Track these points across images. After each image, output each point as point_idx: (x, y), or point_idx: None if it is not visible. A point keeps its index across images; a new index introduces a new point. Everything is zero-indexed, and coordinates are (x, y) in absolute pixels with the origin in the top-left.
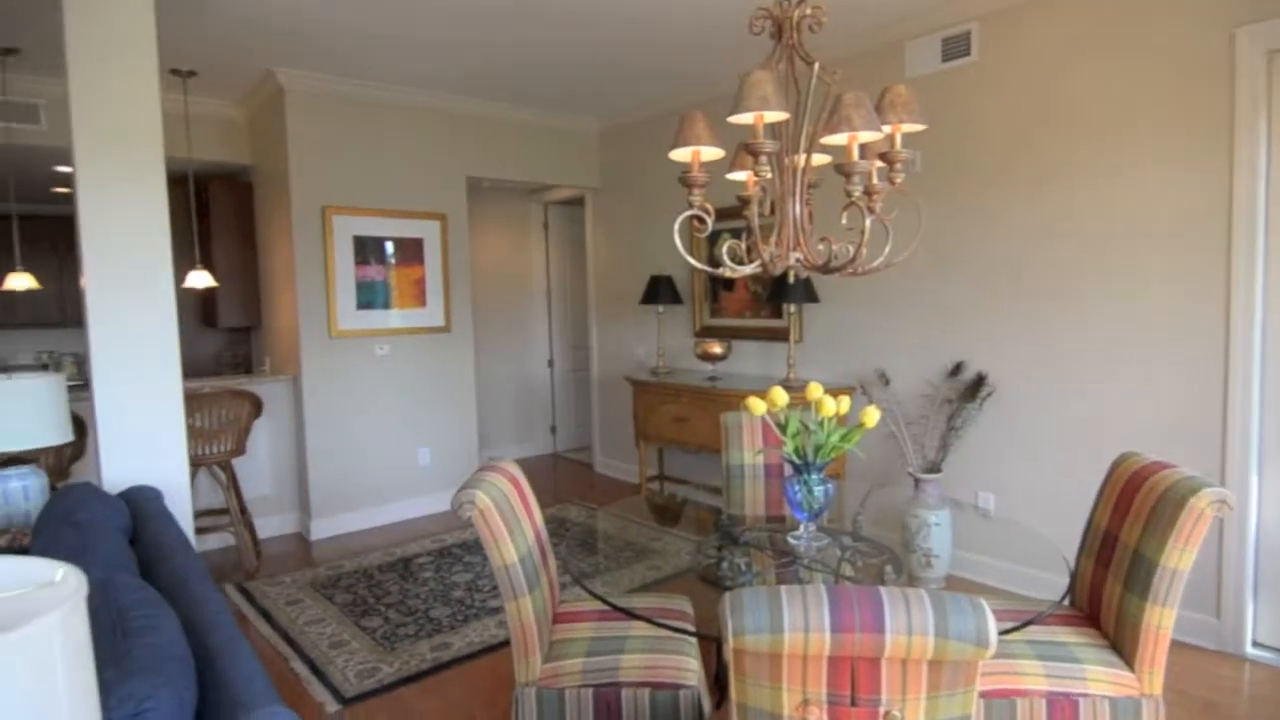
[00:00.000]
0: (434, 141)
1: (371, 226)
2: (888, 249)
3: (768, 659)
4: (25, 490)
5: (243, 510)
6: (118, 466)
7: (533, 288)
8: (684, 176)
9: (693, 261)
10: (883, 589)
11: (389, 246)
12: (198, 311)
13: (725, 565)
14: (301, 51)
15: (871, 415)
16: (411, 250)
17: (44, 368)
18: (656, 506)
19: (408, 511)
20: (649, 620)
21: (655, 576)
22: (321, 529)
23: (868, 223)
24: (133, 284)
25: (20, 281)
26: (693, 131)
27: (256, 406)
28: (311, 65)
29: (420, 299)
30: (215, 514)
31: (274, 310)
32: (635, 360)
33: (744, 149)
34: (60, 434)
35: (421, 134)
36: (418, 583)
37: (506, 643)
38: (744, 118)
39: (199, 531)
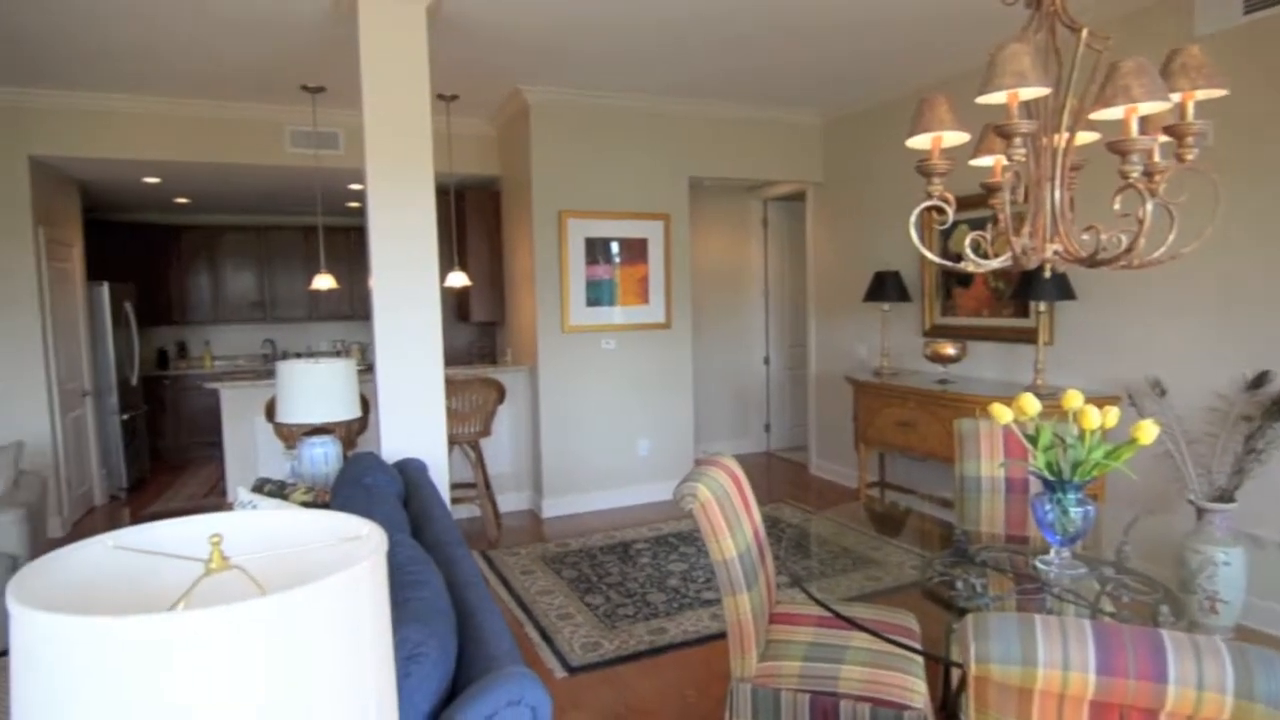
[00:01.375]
0: (658, 144)
1: (601, 228)
2: (1171, 238)
3: (1016, 693)
4: (326, 456)
5: (487, 486)
6: (393, 440)
7: (750, 284)
8: (922, 165)
9: (930, 256)
10: (1164, 632)
11: (614, 247)
12: (454, 308)
13: (960, 585)
14: (544, 69)
15: (1147, 431)
16: (636, 250)
17: (338, 354)
18: (877, 514)
19: (627, 498)
20: (874, 633)
21: (874, 588)
22: (552, 508)
23: (1149, 207)
24: (407, 284)
25: (323, 282)
26: (934, 115)
27: (501, 393)
28: (552, 80)
29: (643, 296)
30: (464, 487)
31: (515, 307)
32: (856, 360)
33: (993, 131)
34: (353, 410)
35: (647, 137)
36: (636, 567)
37: (721, 635)
38: (995, 97)
39: (452, 502)
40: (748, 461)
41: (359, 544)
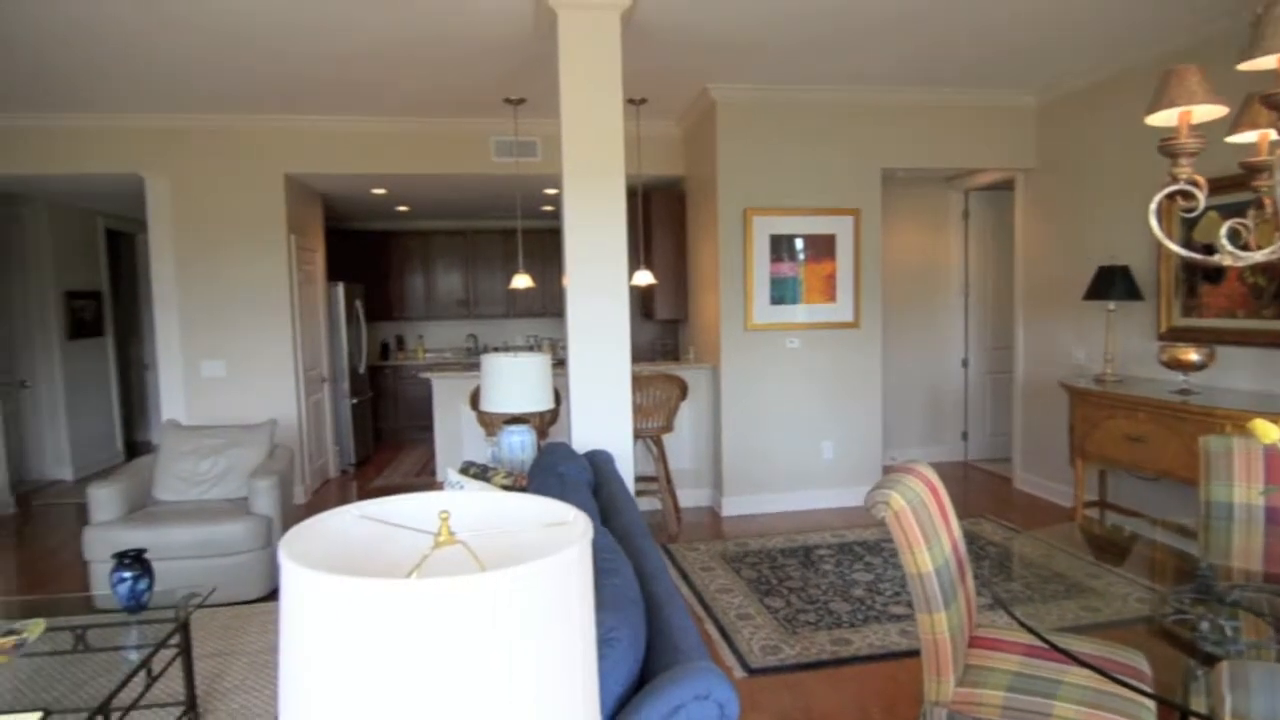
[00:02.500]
0: (848, 136)
1: (786, 225)
2: None
3: None
4: (522, 444)
5: (668, 480)
6: (583, 431)
7: (947, 281)
8: (1167, 144)
9: (1174, 248)
10: None
11: (799, 243)
12: (639, 306)
13: (1205, 626)
14: (732, 66)
15: None
16: (823, 246)
17: (531, 349)
18: (1095, 538)
19: (809, 501)
20: (1098, 670)
21: (1091, 620)
22: (731, 506)
23: None
24: (598, 283)
25: (521, 281)
26: (1182, 88)
27: (683, 390)
28: (738, 77)
29: (829, 294)
30: (646, 480)
31: (698, 305)
32: (1073, 364)
33: (1260, 102)
34: (547, 401)
35: (836, 130)
36: (818, 573)
37: (910, 653)
38: (1264, 61)
39: (635, 494)
40: (943, 471)
41: (566, 529)
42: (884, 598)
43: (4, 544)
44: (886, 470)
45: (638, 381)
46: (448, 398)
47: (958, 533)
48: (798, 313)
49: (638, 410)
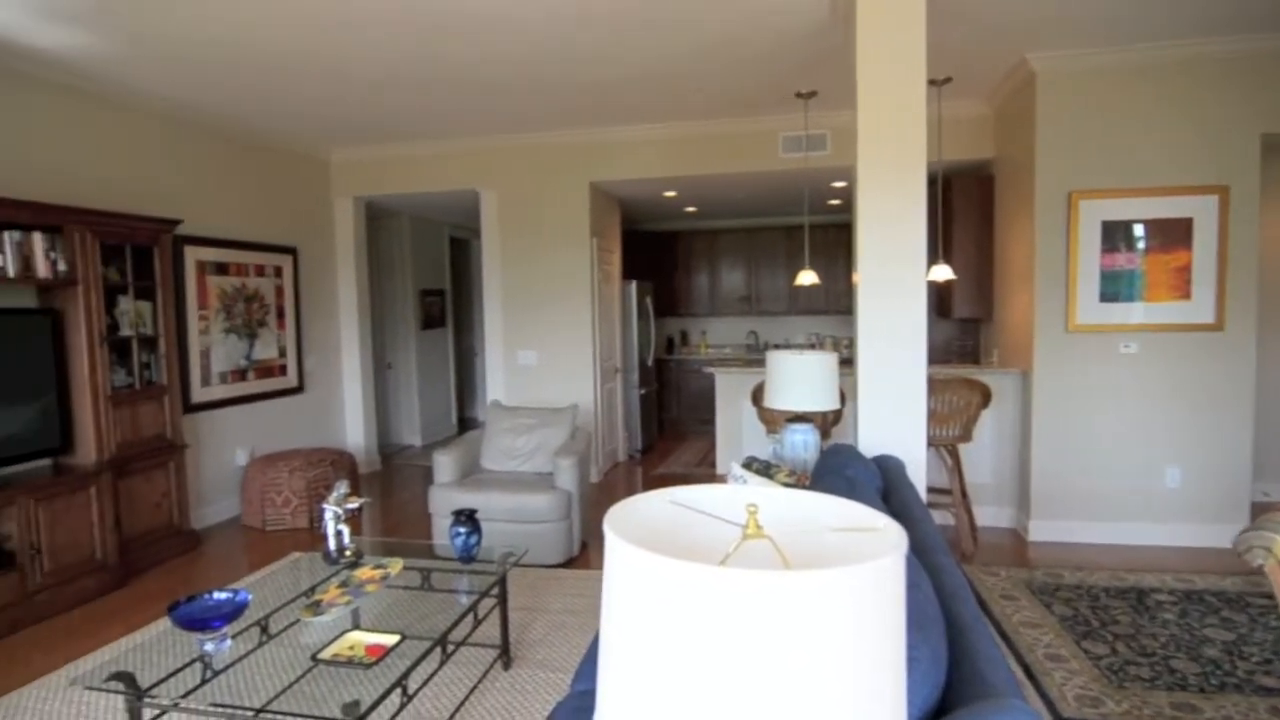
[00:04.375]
0: (1213, 98)
1: (1122, 209)
2: None
3: None
4: (805, 443)
5: (964, 494)
6: (871, 435)
7: None
8: None
9: None
10: None
11: (1139, 230)
12: (934, 302)
13: None
14: (1056, 30)
15: None
16: (1173, 232)
17: (812, 347)
18: None
19: (1144, 536)
20: None
21: None
22: (1040, 530)
23: None
24: (893, 278)
25: (807, 277)
26: None
27: (985, 397)
28: (1064, 43)
29: (1181, 290)
30: (937, 492)
31: (1006, 303)
32: None
33: None
34: (832, 401)
35: (1195, 92)
36: (1155, 621)
37: None
38: None
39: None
40: None
41: (877, 536)
42: (1248, 664)
43: (373, 494)
44: (1257, 508)
45: (933, 385)
46: (730, 392)
47: None
48: (1135, 312)
49: (932, 416)
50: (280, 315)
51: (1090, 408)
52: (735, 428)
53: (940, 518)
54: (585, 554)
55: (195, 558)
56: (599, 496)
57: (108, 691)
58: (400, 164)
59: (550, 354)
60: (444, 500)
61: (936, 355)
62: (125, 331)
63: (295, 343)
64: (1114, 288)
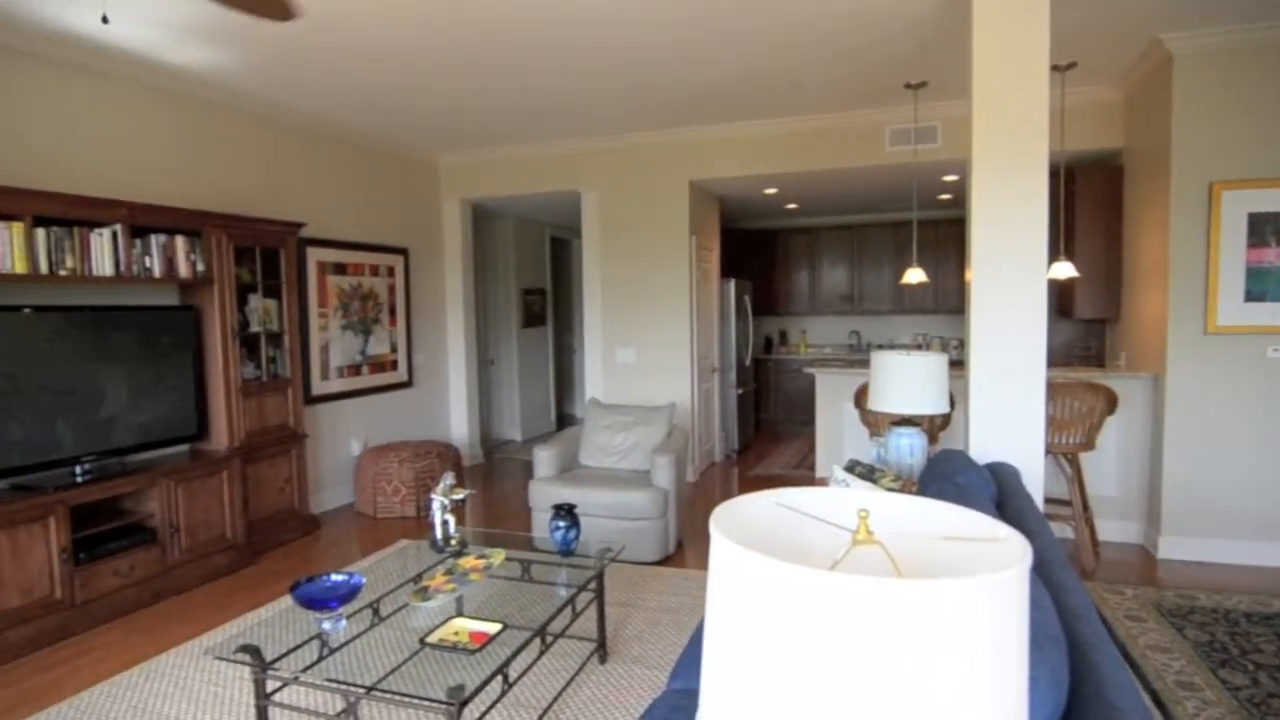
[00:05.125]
0: None
1: (1272, 200)
2: None
3: None
4: (911, 447)
5: (1085, 507)
6: (982, 441)
7: None
8: None
9: None
10: None
11: None
12: (1054, 302)
13: None
14: (1192, 7)
15: None
16: None
17: (919, 347)
18: None
19: None
20: None
21: None
22: (1172, 548)
23: None
24: (1009, 276)
25: (915, 275)
26: None
27: (1110, 402)
28: (1202, 21)
29: None
30: (1055, 504)
31: (1135, 302)
32: None
33: None
34: (941, 404)
35: None
36: None
37: None
38: None
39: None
40: None
41: (997, 548)
42: None
43: (475, 487)
44: None
45: (1052, 389)
46: (830, 393)
47: None
48: None
49: (1050, 422)
50: (392, 313)
51: (1232, 416)
52: (836, 430)
53: (1058, 530)
54: (681, 553)
55: (313, 540)
56: (695, 496)
57: (236, 662)
58: (505, 167)
59: (648, 352)
60: (543, 494)
61: (1056, 358)
62: (254, 328)
63: (405, 339)
64: (1261, 286)
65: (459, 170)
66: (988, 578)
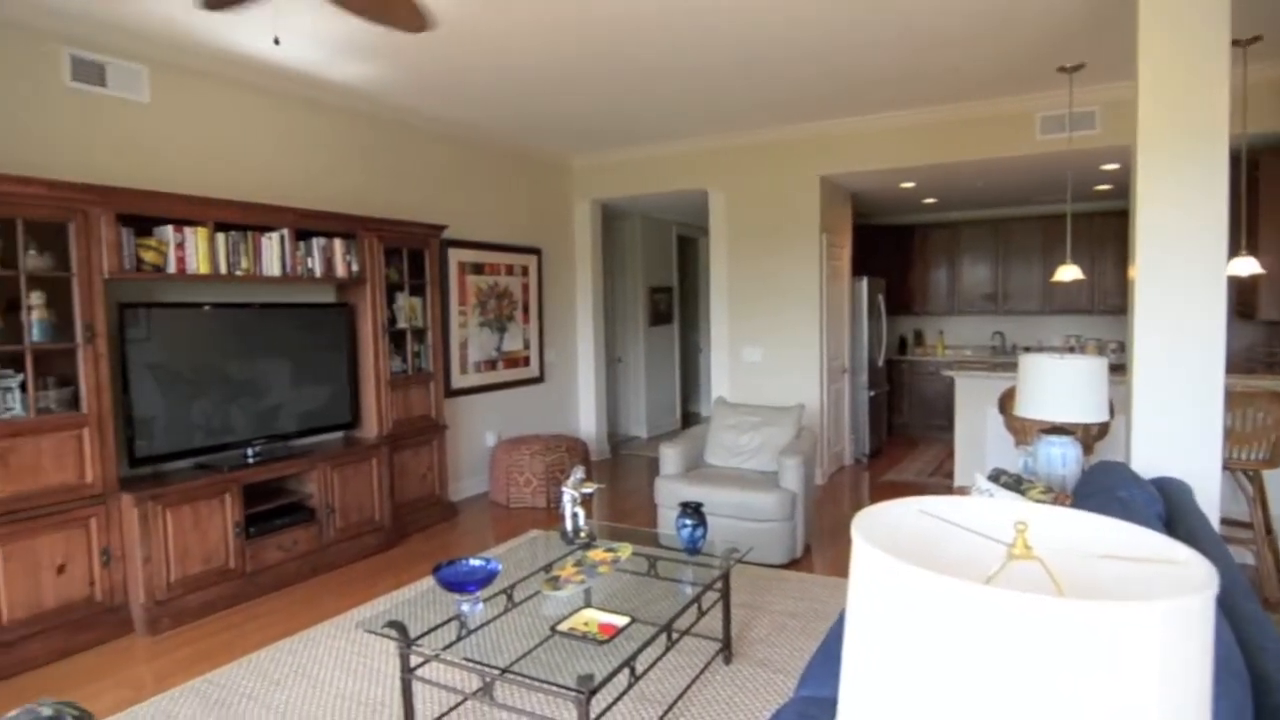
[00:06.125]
0: None
1: None
2: None
3: None
4: (1064, 458)
5: (1268, 529)
6: (1147, 453)
7: None
8: None
9: None
10: None
11: None
12: (1233, 301)
13: None
14: None
15: None
16: None
17: (1070, 350)
18: None
19: None
20: None
21: None
22: None
23: None
24: (1182, 273)
25: (1069, 273)
26: None
27: None
28: None
29: None
30: (1232, 525)
31: None
32: None
33: None
34: (1099, 413)
35: None
36: None
37: None
38: None
39: None
40: None
41: (1176, 570)
42: None
43: (601, 481)
44: None
45: (1231, 399)
46: (972, 397)
47: None
48: None
49: (1229, 435)
50: (525, 311)
51: None
52: (977, 436)
53: (1237, 555)
54: (809, 557)
55: (451, 527)
56: (823, 499)
57: (384, 636)
58: (633, 167)
59: (776, 352)
60: (669, 492)
61: (1236, 363)
62: (401, 324)
63: (538, 336)
64: None
65: (590, 171)
66: (1171, 603)
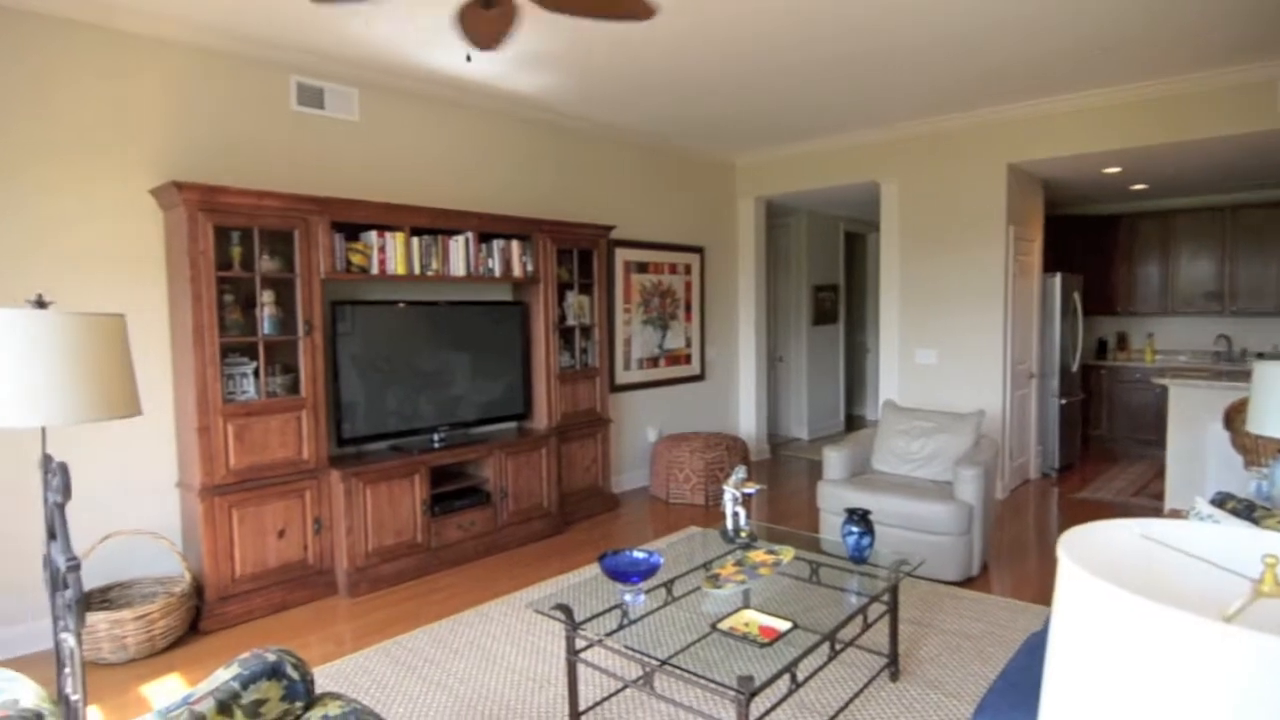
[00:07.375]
0: None
1: None
2: None
3: None
4: None
5: None
6: None
7: None
8: None
9: None
10: None
11: None
12: None
13: None
14: None
15: None
16: None
17: None
18: None
19: None
20: None
21: None
22: None
23: None
24: None
25: None
26: None
27: None
28: None
29: None
30: None
31: None
32: None
33: None
34: None
35: None
36: None
37: None
38: None
39: None
40: None
41: None
42: None
43: (761, 482)
44: None
45: None
46: (1189, 409)
47: None
48: None
49: None
50: (688, 309)
51: None
52: (1194, 454)
53: None
54: (986, 575)
55: (613, 518)
56: (1004, 515)
57: (552, 618)
58: (799, 162)
59: (952, 354)
60: (833, 497)
61: None
62: (570, 321)
63: (699, 334)
64: None
65: (754, 169)
66: None
